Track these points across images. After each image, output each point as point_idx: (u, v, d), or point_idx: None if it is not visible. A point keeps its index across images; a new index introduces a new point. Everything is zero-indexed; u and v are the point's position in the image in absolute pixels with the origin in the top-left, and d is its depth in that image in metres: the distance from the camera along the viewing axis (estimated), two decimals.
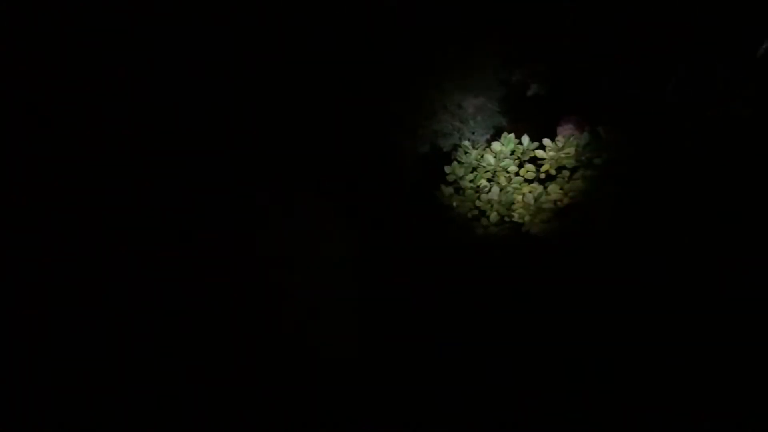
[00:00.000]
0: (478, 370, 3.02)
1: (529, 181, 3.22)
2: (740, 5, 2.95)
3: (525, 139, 3.24)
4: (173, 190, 3.25)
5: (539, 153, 3.21)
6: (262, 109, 3.47)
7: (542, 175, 3.21)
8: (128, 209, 3.15)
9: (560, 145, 3.18)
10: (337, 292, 3.23)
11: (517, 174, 3.23)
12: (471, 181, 3.27)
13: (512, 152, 3.26)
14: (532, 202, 3.11)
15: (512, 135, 3.25)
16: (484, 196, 3.24)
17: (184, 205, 3.23)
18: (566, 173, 3.18)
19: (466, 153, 3.34)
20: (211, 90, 3.35)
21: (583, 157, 3.13)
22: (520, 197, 3.17)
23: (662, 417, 2.67)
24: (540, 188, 3.15)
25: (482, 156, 3.27)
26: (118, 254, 3.06)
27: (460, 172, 3.30)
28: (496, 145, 3.27)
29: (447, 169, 3.33)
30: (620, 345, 2.79)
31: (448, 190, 3.31)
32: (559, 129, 3.38)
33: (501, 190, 3.20)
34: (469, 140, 3.44)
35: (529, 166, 3.22)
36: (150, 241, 3.14)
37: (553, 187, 3.14)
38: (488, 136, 3.54)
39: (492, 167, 3.25)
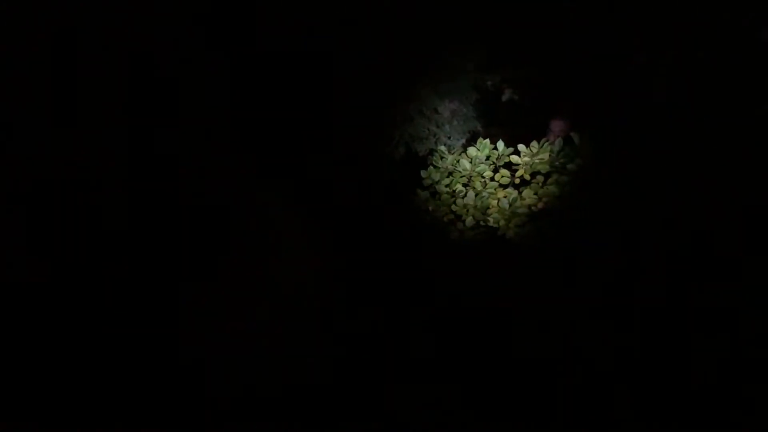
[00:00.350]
0: (453, 374, 3.03)
1: (504, 186, 3.25)
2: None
3: (500, 144, 3.27)
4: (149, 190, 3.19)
5: (514, 158, 3.25)
6: (231, 112, 3.42)
7: (517, 180, 3.25)
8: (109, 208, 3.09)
9: (534, 150, 3.22)
10: (310, 295, 3.20)
11: (492, 179, 3.27)
12: (447, 185, 3.29)
13: (487, 157, 3.29)
14: (506, 206, 3.15)
15: (488, 140, 3.29)
16: (459, 201, 3.26)
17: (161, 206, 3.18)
18: (540, 178, 3.22)
19: (442, 158, 3.36)
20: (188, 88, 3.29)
21: (557, 163, 3.18)
22: (495, 202, 3.20)
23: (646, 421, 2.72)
24: (515, 193, 3.19)
25: (458, 161, 3.30)
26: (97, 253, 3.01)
27: (436, 176, 3.32)
28: (471, 150, 3.30)
29: (423, 173, 3.34)
30: (594, 348, 2.84)
31: (425, 194, 3.33)
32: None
33: (476, 194, 3.24)
34: (445, 145, 3.45)
35: (504, 171, 3.26)
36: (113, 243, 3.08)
37: (527, 192, 3.18)
38: (464, 141, 3.56)
39: (467, 172, 3.28)
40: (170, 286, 3.08)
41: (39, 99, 2.94)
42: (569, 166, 3.13)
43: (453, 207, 3.28)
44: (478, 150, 3.28)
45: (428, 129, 3.48)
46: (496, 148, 3.28)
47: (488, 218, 3.20)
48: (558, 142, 3.22)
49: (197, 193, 3.19)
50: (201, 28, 3.24)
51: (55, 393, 2.84)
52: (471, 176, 3.28)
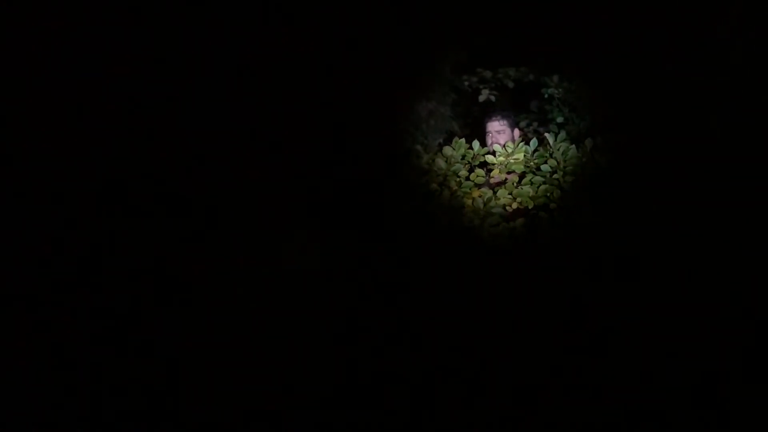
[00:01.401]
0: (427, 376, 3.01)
1: (479, 186, 3.25)
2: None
3: (476, 144, 3.29)
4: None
5: (489, 158, 3.26)
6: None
7: (492, 180, 3.26)
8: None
9: (510, 150, 3.23)
10: (284, 295, 3.18)
11: (467, 178, 3.26)
12: (422, 185, 3.28)
13: (463, 157, 3.29)
14: (481, 206, 3.15)
15: (463, 140, 3.30)
16: (435, 201, 3.25)
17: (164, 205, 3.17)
18: (515, 178, 3.23)
19: (418, 157, 3.36)
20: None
21: (531, 163, 3.19)
22: (469, 202, 3.20)
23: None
24: (489, 193, 3.19)
25: (434, 160, 3.30)
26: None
27: (412, 176, 3.31)
28: (447, 150, 3.30)
29: (398, 173, 3.34)
30: (566, 352, 2.84)
31: (399, 193, 3.32)
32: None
33: (451, 194, 3.23)
34: (421, 144, 3.45)
35: (479, 171, 3.26)
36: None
37: (502, 192, 3.19)
38: (440, 141, 3.56)
39: (443, 171, 3.27)
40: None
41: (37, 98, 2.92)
42: (543, 166, 3.14)
43: (428, 207, 3.27)
44: (454, 149, 3.28)
45: (405, 128, 3.48)
46: (471, 148, 3.29)
47: (463, 218, 3.19)
48: (533, 143, 3.24)
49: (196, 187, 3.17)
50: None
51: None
52: (446, 176, 3.28)
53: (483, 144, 3.40)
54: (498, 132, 3.43)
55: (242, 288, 3.20)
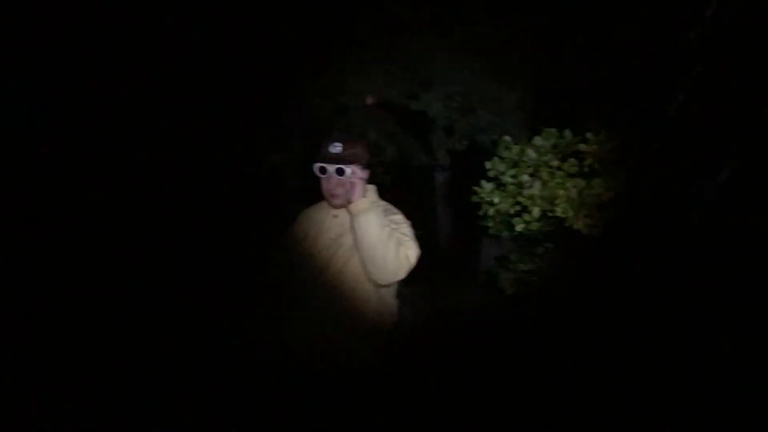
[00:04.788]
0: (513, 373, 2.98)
1: (571, 176, 3.18)
2: None
3: (567, 133, 3.20)
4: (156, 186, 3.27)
5: (582, 147, 3.17)
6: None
7: (585, 169, 3.17)
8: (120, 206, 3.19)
9: (603, 138, 3.13)
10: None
11: (559, 168, 3.20)
12: (512, 176, 3.25)
13: (554, 146, 3.22)
14: (575, 196, 3.08)
15: (554, 129, 3.22)
16: (526, 192, 3.21)
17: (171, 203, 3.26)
18: (610, 167, 3.13)
19: (507, 148, 3.32)
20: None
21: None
22: (563, 192, 3.13)
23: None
24: (583, 182, 3.11)
25: (523, 151, 3.25)
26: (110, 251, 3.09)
27: (501, 167, 3.29)
28: (537, 140, 3.24)
29: (488, 164, 3.32)
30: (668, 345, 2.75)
31: (489, 185, 3.31)
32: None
33: (543, 184, 3.18)
34: (509, 135, 3.41)
35: (572, 160, 3.18)
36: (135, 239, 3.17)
37: (596, 181, 3.09)
38: (529, 131, 3.50)
39: (534, 162, 3.23)
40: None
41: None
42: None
43: (519, 198, 3.24)
44: (544, 139, 3.22)
45: (491, 119, 3.45)
46: (562, 137, 3.21)
47: (556, 208, 3.13)
48: None
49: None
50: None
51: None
52: (537, 166, 3.23)
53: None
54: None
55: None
